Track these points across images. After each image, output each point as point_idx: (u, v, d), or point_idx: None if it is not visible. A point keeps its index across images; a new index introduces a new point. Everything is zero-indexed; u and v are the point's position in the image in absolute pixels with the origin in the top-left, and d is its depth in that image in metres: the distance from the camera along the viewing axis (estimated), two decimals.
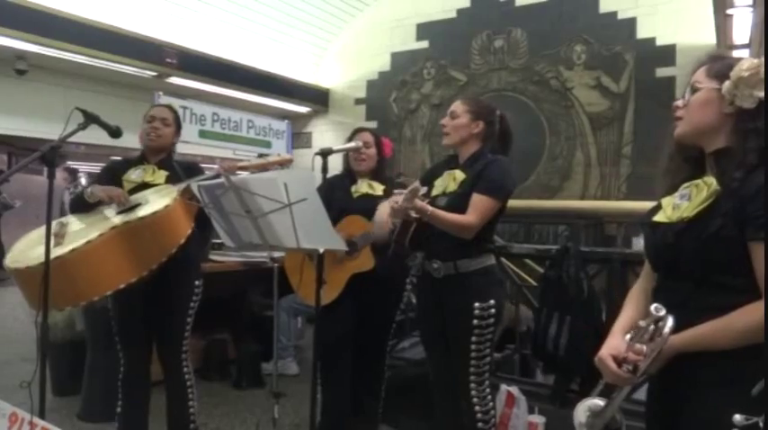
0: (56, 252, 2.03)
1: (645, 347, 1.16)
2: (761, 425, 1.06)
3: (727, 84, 1.17)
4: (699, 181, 1.23)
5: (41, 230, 1.98)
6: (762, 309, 1.07)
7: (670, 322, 1.13)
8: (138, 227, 2.18)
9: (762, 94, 1.14)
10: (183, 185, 2.32)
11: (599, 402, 1.25)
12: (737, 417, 1.08)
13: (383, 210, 2.20)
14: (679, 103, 1.29)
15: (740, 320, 1.11)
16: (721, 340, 1.13)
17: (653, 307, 1.15)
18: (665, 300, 1.22)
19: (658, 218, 1.29)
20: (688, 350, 1.16)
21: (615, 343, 1.25)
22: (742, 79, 1.15)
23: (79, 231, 2.20)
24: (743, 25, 4.37)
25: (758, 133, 1.15)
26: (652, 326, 1.15)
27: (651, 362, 1.15)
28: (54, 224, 2.20)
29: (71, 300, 2.19)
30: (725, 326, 1.12)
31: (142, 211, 2.23)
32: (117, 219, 2.21)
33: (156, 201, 2.28)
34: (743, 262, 1.11)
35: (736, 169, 1.16)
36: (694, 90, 1.25)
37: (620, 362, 1.19)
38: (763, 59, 1.15)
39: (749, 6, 4.01)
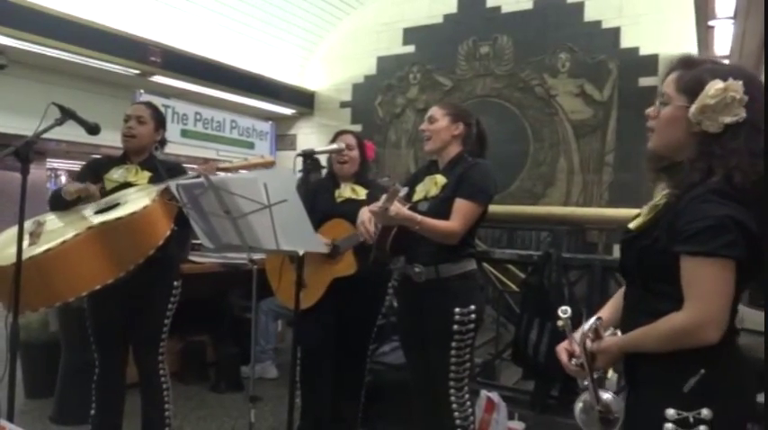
0: (30, 252, 1.98)
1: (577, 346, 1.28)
2: (691, 420, 1.15)
3: (692, 108, 1.19)
4: (665, 192, 1.28)
5: (16, 229, 1.93)
6: (679, 318, 1.14)
7: (589, 322, 1.26)
8: (116, 227, 2.13)
9: (727, 119, 1.16)
10: (162, 186, 2.27)
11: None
12: (670, 411, 1.16)
13: (364, 212, 2.19)
14: (650, 111, 1.30)
15: (661, 327, 1.17)
16: (648, 344, 1.20)
17: (560, 309, 1.27)
18: (626, 301, 1.34)
19: (631, 224, 1.35)
20: (627, 351, 1.25)
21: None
22: (707, 106, 1.16)
23: (55, 230, 2.15)
24: (724, 37, 4.44)
25: (713, 156, 1.16)
26: (590, 325, 1.26)
27: (588, 359, 1.25)
28: (30, 223, 2.16)
29: (45, 300, 2.14)
30: (650, 331, 1.19)
31: (120, 211, 2.18)
32: (94, 219, 2.17)
33: (135, 200, 2.23)
34: (676, 272, 1.16)
35: (677, 185, 1.21)
36: (664, 103, 1.26)
37: (571, 356, 1.32)
38: (729, 82, 1.16)
39: (730, 18, 4.07)
